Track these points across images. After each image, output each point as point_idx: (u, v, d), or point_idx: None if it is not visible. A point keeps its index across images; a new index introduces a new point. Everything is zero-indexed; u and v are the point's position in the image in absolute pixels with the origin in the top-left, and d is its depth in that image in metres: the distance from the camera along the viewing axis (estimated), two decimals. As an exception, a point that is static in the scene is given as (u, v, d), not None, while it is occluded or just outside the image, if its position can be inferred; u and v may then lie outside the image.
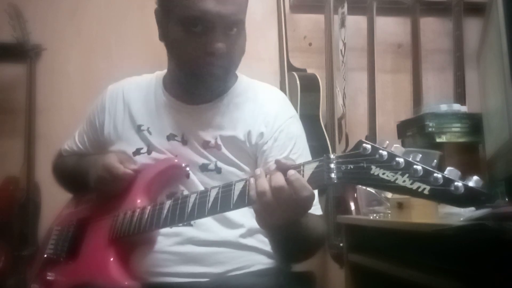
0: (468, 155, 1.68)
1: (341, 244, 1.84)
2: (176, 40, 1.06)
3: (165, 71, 1.21)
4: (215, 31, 1.01)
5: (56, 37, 2.26)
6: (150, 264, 1.04)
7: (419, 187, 0.71)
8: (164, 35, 1.10)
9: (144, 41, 2.16)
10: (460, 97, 2.06)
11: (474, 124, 1.70)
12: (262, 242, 1.09)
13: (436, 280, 1.02)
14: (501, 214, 0.75)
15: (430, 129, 1.70)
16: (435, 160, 0.72)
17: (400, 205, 1.16)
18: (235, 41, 1.05)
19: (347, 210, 1.92)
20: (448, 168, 0.71)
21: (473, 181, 0.69)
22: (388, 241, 1.29)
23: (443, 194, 0.70)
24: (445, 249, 0.98)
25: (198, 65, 1.05)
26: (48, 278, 1.17)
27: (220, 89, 1.12)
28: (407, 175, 0.72)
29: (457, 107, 1.78)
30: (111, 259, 1.05)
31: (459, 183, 0.69)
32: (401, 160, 0.73)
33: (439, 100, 2.02)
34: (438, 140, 1.70)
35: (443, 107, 1.75)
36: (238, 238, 1.08)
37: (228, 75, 1.09)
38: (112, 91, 1.23)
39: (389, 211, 1.36)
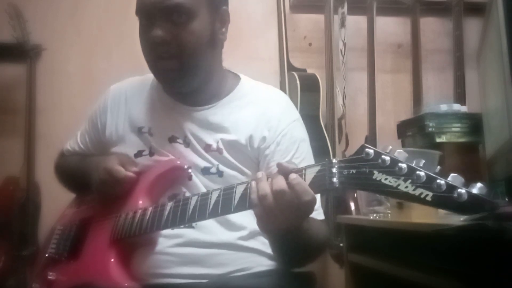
0: (468, 155, 1.68)
1: (341, 244, 1.84)
2: (139, 37, 1.08)
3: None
4: (155, 19, 1.01)
5: (56, 37, 2.26)
6: (150, 265, 1.04)
7: (421, 194, 0.71)
8: None
9: (144, 41, 2.15)
10: (460, 97, 2.07)
11: (474, 124, 1.70)
12: (264, 244, 1.09)
13: (436, 280, 1.02)
14: (501, 214, 0.75)
15: (430, 129, 1.70)
16: (438, 167, 0.71)
17: (400, 205, 1.16)
18: (184, 27, 1.02)
19: (347, 210, 1.92)
20: (452, 174, 0.70)
21: (476, 188, 0.68)
22: (388, 241, 1.29)
23: (446, 201, 0.69)
24: (445, 249, 0.99)
25: (150, 60, 1.06)
26: (49, 277, 1.17)
27: (198, 82, 1.10)
28: (409, 181, 0.72)
29: (457, 107, 1.78)
30: (112, 260, 1.05)
31: (462, 190, 0.68)
32: (404, 165, 0.72)
33: (439, 100, 2.02)
34: (438, 140, 1.70)
35: (443, 107, 1.75)
36: (239, 240, 1.07)
37: (185, 65, 1.05)
38: (115, 92, 1.23)
39: (389, 211, 1.36)
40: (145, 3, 1.02)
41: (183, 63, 1.05)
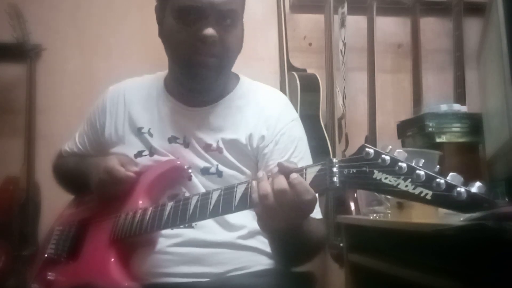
0: (468, 155, 1.69)
1: (341, 244, 1.84)
2: (170, 31, 1.08)
3: (166, 72, 1.21)
4: (207, 19, 1.02)
5: (56, 37, 2.26)
6: (150, 264, 1.04)
7: (421, 192, 0.71)
8: (161, 30, 1.12)
9: (144, 41, 2.16)
10: (460, 97, 2.07)
11: (474, 124, 1.70)
12: (263, 243, 1.09)
13: (436, 280, 1.02)
14: (501, 214, 0.75)
15: (430, 129, 1.70)
16: (438, 166, 0.72)
17: (400, 205, 1.16)
18: (229, 31, 1.06)
19: (347, 210, 1.92)
20: (451, 173, 0.71)
21: (475, 187, 0.69)
22: (388, 241, 1.29)
23: (445, 199, 0.70)
24: (445, 249, 0.99)
25: (190, 53, 1.05)
26: (48, 278, 1.17)
27: (217, 83, 1.12)
28: (409, 180, 0.72)
29: (457, 107, 1.78)
30: (112, 260, 1.05)
31: (461, 189, 0.69)
32: (403, 165, 0.73)
33: (439, 100, 2.02)
34: (438, 140, 1.70)
35: (443, 107, 1.75)
36: (238, 239, 1.08)
37: (223, 66, 1.08)
38: (113, 92, 1.23)
39: (389, 211, 1.36)
40: (201, 2, 1.02)
41: (222, 63, 1.08)
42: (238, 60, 1.15)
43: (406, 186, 0.72)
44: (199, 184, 1.09)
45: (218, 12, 1.03)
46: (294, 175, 0.83)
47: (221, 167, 1.10)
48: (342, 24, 2.28)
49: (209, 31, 1.02)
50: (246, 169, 1.11)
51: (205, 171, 1.10)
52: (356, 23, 2.30)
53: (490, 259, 0.83)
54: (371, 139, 2.10)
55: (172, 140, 1.13)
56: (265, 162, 1.10)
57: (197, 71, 1.07)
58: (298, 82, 2.10)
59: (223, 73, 1.10)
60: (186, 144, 1.12)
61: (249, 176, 1.10)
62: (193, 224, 1.04)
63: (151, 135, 1.14)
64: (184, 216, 0.96)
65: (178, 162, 1.10)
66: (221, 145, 1.10)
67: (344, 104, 2.22)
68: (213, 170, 1.09)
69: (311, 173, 0.83)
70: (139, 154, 1.14)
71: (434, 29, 2.42)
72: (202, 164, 1.10)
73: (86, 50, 2.29)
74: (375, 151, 0.76)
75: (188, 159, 1.10)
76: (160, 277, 1.04)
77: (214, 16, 1.03)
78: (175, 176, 1.11)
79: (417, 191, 0.71)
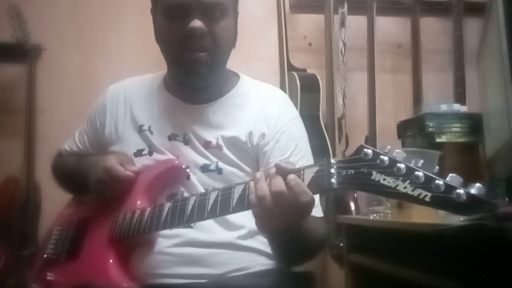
0: (468, 155, 1.68)
1: (341, 244, 1.84)
2: (161, 30, 1.09)
3: (166, 71, 1.21)
4: (193, 14, 1.03)
5: (56, 37, 2.26)
6: (149, 265, 1.04)
7: (420, 194, 0.71)
8: (155, 30, 1.12)
9: (144, 41, 2.14)
10: (460, 97, 2.06)
11: (474, 124, 1.69)
12: (262, 243, 1.09)
13: (436, 280, 1.02)
14: (501, 214, 0.75)
15: (430, 129, 1.70)
16: (437, 167, 0.71)
17: (400, 205, 1.16)
18: (218, 23, 1.06)
19: (347, 210, 1.92)
20: (450, 174, 0.70)
21: (475, 188, 0.69)
22: (388, 241, 1.29)
23: (444, 201, 0.69)
24: (445, 249, 0.98)
25: (181, 50, 1.06)
26: (48, 278, 1.17)
27: (213, 79, 1.12)
28: (408, 181, 0.72)
29: (457, 107, 1.77)
30: (111, 261, 1.05)
31: (461, 191, 0.68)
32: (402, 166, 0.72)
33: (439, 100, 2.02)
34: (438, 140, 1.70)
35: (443, 107, 1.75)
36: (238, 240, 1.08)
37: (215, 60, 1.08)
38: (114, 91, 1.24)
39: (389, 211, 1.36)
40: None
41: (214, 57, 1.08)
42: (238, 60, 1.15)
43: (405, 187, 0.72)
44: (198, 183, 1.09)
45: (205, 5, 1.03)
46: (291, 176, 0.83)
47: (221, 164, 1.10)
48: (342, 24, 2.28)
49: (196, 23, 1.02)
50: (246, 167, 1.11)
51: (205, 168, 1.10)
52: (356, 23, 2.30)
53: (490, 259, 0.83)
54: (371, 139, 2.09)
55: (172, 137, 1.13)
56: (266, 160, 1.10)
57: (189, 67, 1.07)
58: (298, 82, 2.09)
59: (216, 68, 1.10)
60: (186, 142, 1.12)
61: (249, 173, 1.10)
62: (192, 224, 1.04)
63: (151, 132, 1.15)
64: (182, 216, 0.96)
65: (176, 162, 1.11)
66: (221, 142, 1.10)
67: (344, 104, 2.22)
68: (213, 167, 1.09)
69: (309, 174, 0.83)
70: (139, 153, 1.14)
71: (434, 29, 2.42)
72: (202, 161, 1.10)
73: (86, 50, 2.29)
74: (373, 151, 0.76)
75: (188, 157, 1.10)
76: (159, 278, 1.03)
77: (201, 10, 1.03)
78: (173, 175, 1.11)
79: (416, 192, 0.71)
